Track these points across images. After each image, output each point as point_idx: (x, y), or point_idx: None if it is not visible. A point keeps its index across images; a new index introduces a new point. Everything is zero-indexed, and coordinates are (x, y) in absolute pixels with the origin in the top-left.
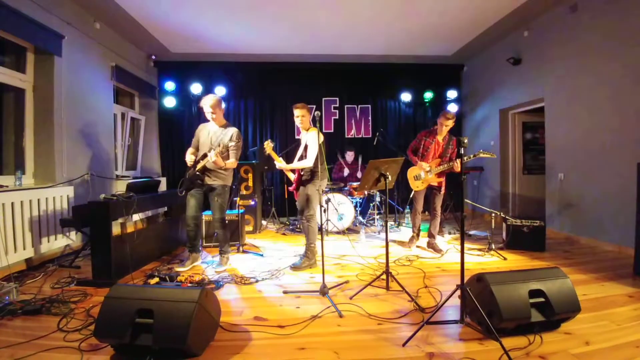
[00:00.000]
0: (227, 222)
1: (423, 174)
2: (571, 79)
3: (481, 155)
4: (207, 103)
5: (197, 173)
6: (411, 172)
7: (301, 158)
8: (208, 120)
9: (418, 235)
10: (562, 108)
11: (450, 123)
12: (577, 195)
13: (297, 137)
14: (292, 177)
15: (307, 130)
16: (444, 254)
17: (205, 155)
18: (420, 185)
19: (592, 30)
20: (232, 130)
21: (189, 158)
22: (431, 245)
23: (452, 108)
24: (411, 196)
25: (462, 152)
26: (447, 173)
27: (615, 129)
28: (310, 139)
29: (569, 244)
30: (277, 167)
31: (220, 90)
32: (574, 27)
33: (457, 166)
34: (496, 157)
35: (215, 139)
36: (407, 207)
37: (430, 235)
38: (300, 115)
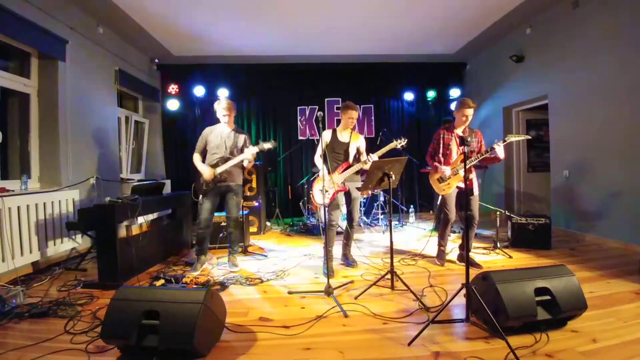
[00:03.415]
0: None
1: (448, 173)
2: (574, 75)
3: (512, 139)
4: (224, 106)
5: (219, 176)
6: (433, 175)
7: (346, 159)
8: (213, 123)
9: (445, 248)
10: (566, 104)
11: (470, 112)
12: (583, 192)
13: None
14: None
15: (350, 133)
16: (482, 268)
17: (227, 159)
18: (447, 188)
19: (594, 26)
20: (245, 135)
21: (207, 170)
22: (464, 259)
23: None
24: (439, 202)
25: (466, 150)
26: (484, 166)
27: (620, 124)
28: (361, 143)
29: (575, 242)
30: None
31: (223, 92)
32: (576, 24)
33: (499, 152)
34: (530, 137)
35: (229, 142)
36: (415, 210)
37: (463, 248)
38: (355, 117)
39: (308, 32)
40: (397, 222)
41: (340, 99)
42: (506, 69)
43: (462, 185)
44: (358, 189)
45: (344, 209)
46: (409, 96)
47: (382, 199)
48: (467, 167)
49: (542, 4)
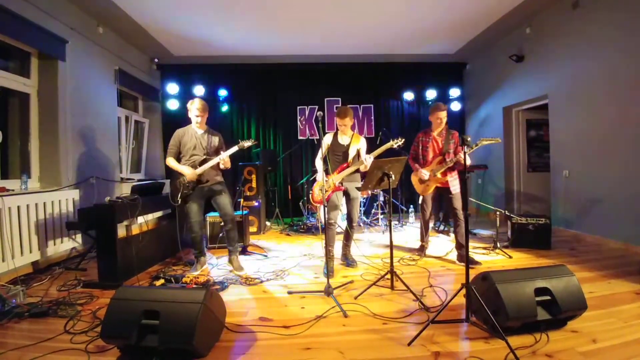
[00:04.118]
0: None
1: (426, 177)
2: (574, 75)
3: (484, 142)
4: (198, 107)
5: (200, 179)
6: (415, 176)
7: (344, 160)
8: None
9: (427, 244)
10: (566, 104)
11: (443, 115)
12: (583, 192)
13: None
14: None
15: (351, 135)
16: (481, 264)
17: (205, 161)
18: (427, 189)
19: (594, 26)
20: (219, 136)
21: (189, 170)
22: (463, 258)
23: (455, 106)
24: (420, 202)
25: (466, 150)
26: (459, 170)
27: (621, 124)
28: (362, 145)
29: (575, 242)
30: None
31: (223, 92)
32: (576, 23)
33: (462, 159)
34: (500, 141)
35: (205, 142)
36: (415, 210)
37: (460, 247)
38: (349, 124)
39: (308, 32)
40: (396, 222)
41: (340, 99)
42: (506, 69)
43: (440, 185)
44: (358, 189)
45: (344, 209)
46: (408, 96)
47: (381, 198)
48: (441, 171)
49: (542, 4)
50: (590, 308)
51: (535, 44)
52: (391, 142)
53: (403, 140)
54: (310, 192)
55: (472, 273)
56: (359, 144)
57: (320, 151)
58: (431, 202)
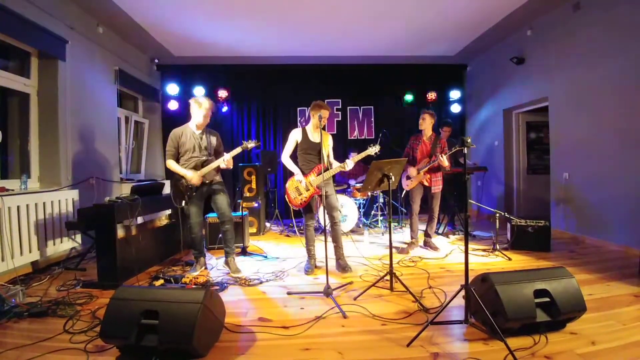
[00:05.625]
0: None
1: (414, 175)
2: (575, 78)
3: (458, 148)
4: (206, 107)
5: (205, 181)
6: (404, 173)
7: (319, 160)
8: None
9: (417, 240)
10: (567, 107)
11: (425, 122)
12: (582, 194)
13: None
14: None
15: (320, 132)
16: (440, 251)
17: (206, 161)
18: (411, 184)
19: (595, 28)
20: (217, 134)
21: (193, 173)
22: (428, 244)
23: (456, 108)
24: (403, 195)
25: (466, 152)
26: (444, 174)
27: (621, 127)
28: (330, 143)
29: (575, 244)
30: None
31: (223, 93)
32: (577, 26)
33: (442, 161)
34: (475, 147)
35: (204, 143)
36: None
37: (427, 235)
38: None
39: (308, 33)
40: (396, 224)
41: (340, 100)
42: (507, 71)
43: (425, 183)
44: (358, 190)
45: (343, 210)
46: (409, 98)
47: (381, 200)
48: (425, 169)
49: (543, 6)
50: (589, 310)
51: (535, 46)
52: (370, 150)
53: (380, 148)
54: (286, 194)
55: (471, 275)
56: (329, 141)
57: (287, 147)
58: (418, 199)
